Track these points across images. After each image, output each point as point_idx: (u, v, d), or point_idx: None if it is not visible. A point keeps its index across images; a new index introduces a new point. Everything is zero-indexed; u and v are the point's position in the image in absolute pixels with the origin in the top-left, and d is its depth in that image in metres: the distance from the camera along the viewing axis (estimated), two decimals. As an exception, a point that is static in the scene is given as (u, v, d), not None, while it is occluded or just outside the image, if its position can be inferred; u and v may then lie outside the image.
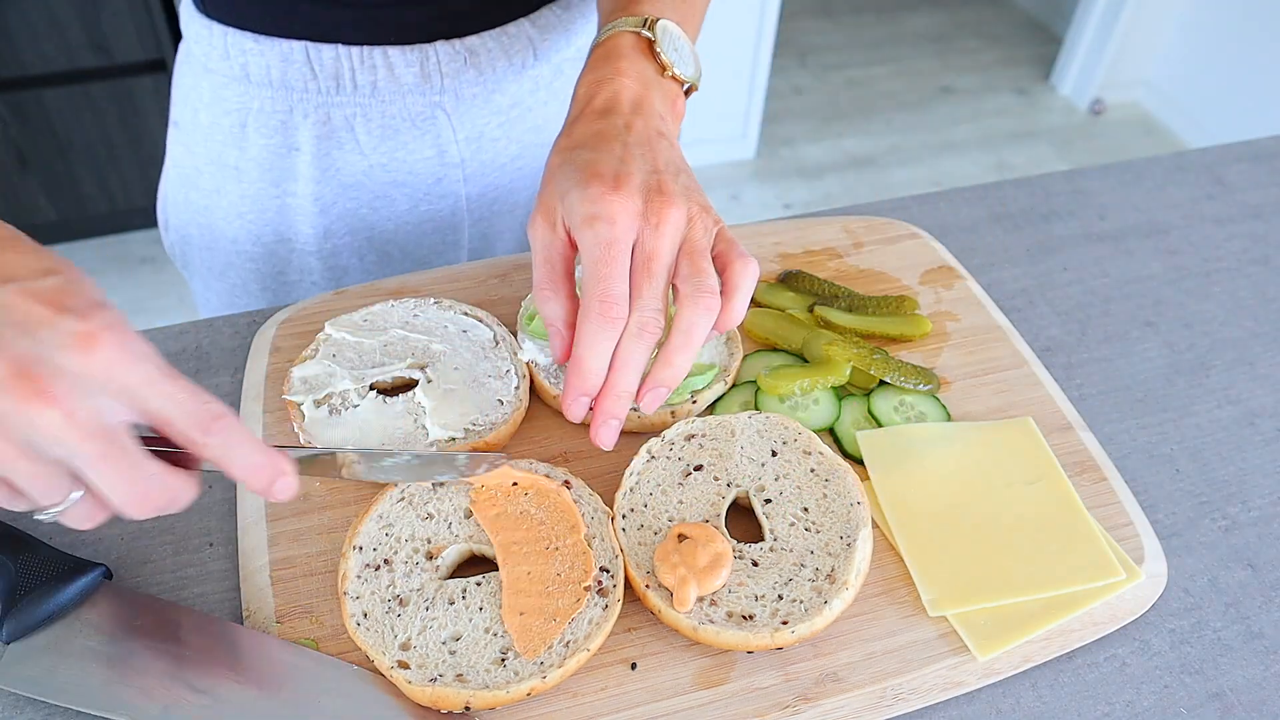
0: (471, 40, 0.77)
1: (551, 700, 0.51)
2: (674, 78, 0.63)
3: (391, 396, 0.63)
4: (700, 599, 0.52)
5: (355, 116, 0.78)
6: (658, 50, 0.62)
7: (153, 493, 0.42)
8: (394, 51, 0.75)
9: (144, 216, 2.39)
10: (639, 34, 0.62)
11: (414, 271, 0.88)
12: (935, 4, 3.63)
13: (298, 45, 0.74)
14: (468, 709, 0.49)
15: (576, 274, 0.59)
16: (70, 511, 0.43)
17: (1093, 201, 0.91)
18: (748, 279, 0.58)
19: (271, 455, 0.45)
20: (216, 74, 0.78)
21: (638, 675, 0.52)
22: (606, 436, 0.56)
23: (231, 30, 0.75)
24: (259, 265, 0.86)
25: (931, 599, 0.56)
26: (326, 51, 0.75)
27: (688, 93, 0.65)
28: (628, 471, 0.58)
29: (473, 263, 0.77)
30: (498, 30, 0.78)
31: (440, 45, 0.76)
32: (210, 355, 0.71)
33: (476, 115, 0.81)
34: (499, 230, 0.90)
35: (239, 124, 0.79)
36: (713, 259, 0.57)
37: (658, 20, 0.62)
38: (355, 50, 0.75)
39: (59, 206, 2.20)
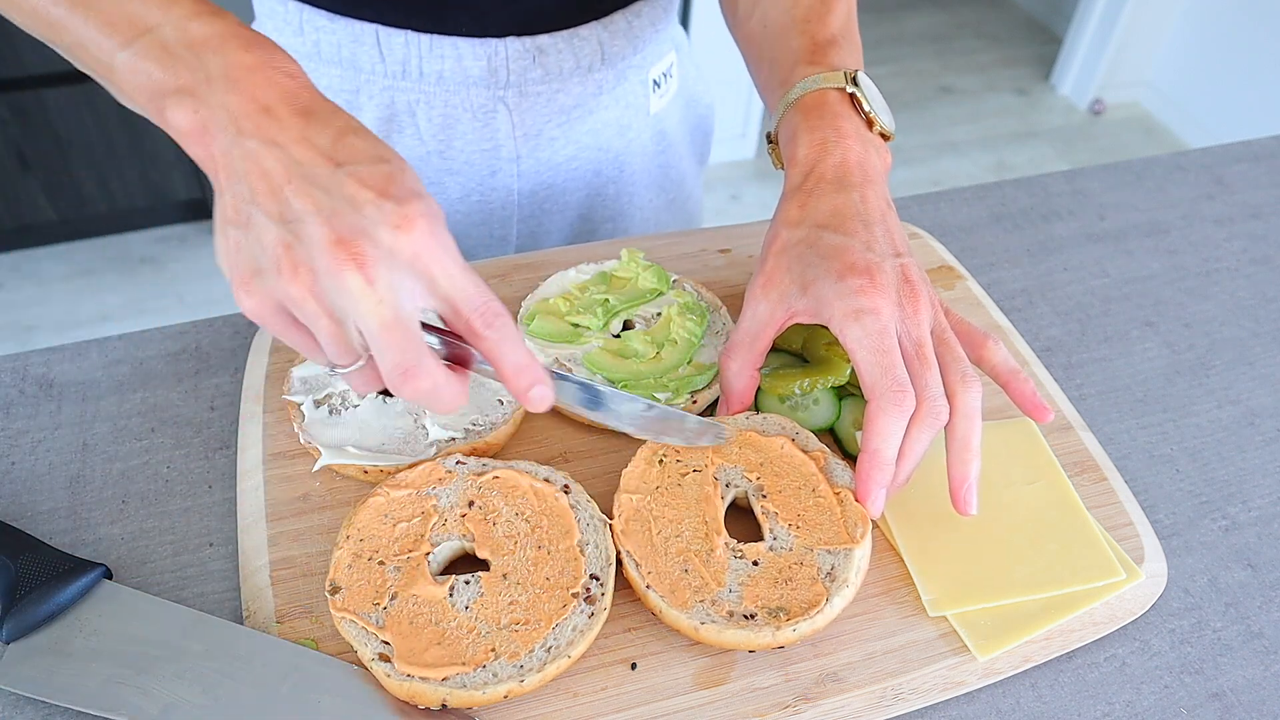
0: (542, 39, 0.77)
1: (551, 700, 0.51)
2: (881, 133, 0.63)
3: (391, 396, 0.63)
4: (702, 600, 0.52)
5: (418, 103, 0.79)
6: (865, 107, 0.61)
7: (420, 374, 0.46)
8: (464, 43, 0.76)
9: (144, 216, 2.39)
10: (843, 90, 0.62)
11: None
12: (935, 4, 3.63)
13: (368, 28, 0.75)
14: (444, 707, 0.49)
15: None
16: (355, 375, 0.48)
17: (1093, 201, 0.91)
18: (1000, 353, 0.60)
19: (536, 362, 0.49)
20: (287, 50, 0.78)
21: (638, 675, 0.52)
22: (880, 506, 0.56)
23: (307, 7, 0.76)
24: None
25: (931, 599, 0.56)
26: (396, 37, 0.75)
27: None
28: (627, 472, 0.58)
29: (472, 262, 0.77)
30: (569, 31, 0.78)
31: (511, 40, 0.76)
32: (210, 355, 0.71)
33: (538, 113, 0.81)
34: (547, 228, 0.90)
35: None
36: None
37: (856, 73, 0.62)
38: (425, 38, 0.75)
39: (59, 206, 2.20)
